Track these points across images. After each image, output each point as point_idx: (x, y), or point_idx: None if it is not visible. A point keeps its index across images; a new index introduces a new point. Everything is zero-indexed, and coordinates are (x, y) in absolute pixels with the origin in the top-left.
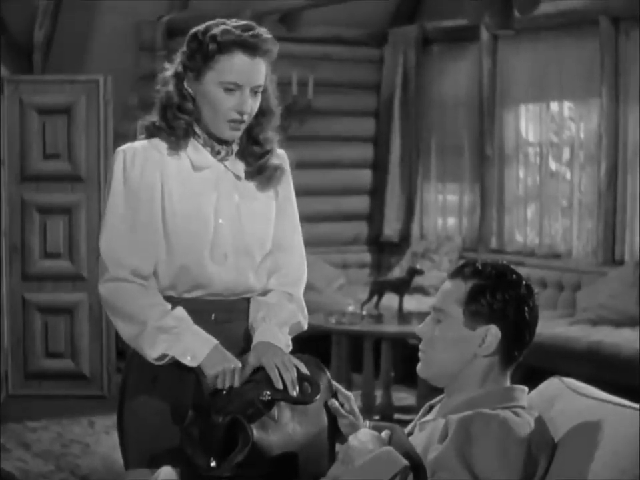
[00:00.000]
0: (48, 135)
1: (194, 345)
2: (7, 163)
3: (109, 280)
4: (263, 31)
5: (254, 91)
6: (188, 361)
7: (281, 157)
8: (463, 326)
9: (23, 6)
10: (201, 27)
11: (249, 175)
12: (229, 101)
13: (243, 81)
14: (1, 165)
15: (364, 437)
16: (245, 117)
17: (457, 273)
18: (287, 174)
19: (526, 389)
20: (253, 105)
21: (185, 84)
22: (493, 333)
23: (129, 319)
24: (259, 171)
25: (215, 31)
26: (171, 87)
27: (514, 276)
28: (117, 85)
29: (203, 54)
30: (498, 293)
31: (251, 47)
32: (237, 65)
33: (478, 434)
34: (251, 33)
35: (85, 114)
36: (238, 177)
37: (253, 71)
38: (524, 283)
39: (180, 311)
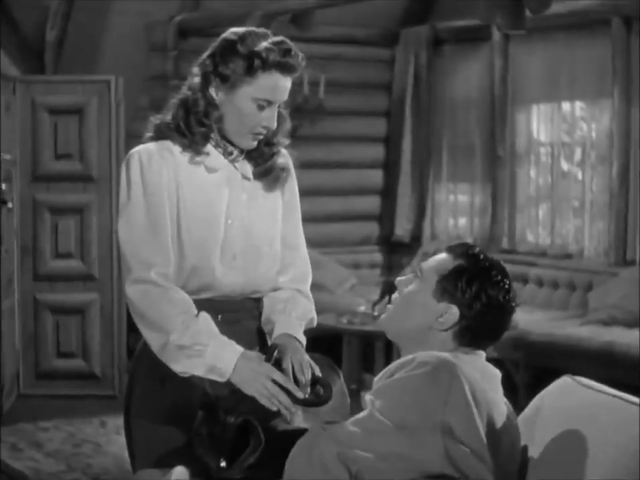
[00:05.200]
0: (59, 135)
1: (217, 362)
2: (19, 163)
3: (135, 282)
4: (298, 52)
5: (278, 105)
6: (214, 378)
7: (285, 156)
8: (431, 295)
9: (34, 6)
10: (235, 37)
11: (257, 176)
12: (258, 116)
13: (277, 99)
14: (13, 165)
15: None
16: (266, 131)
17: (452, 249)
18: (292, 173)
19: (480, 352)
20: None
21: (212, 90)
22: (452, 312)
23: (154, 327)
24: (267, 172)
25: (259, 47)
26: (197, 93)
27: (500, 279)
28: (128, 86)
29: (245, 68)
30: (475, 283)
31: (289, 68)
32: (274, 83)
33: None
34: (291, 55)
35: (96, 114)
36: (246, 178)
37: (285, 89)
38: (507, 290)
39: (203, 320)
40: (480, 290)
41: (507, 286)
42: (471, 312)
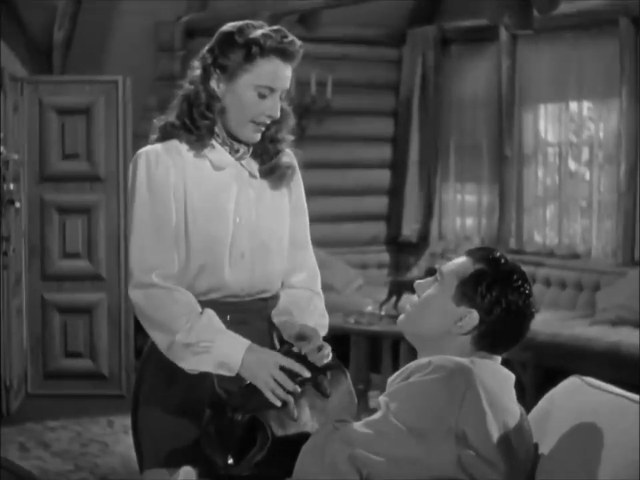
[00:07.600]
0: (67, 135)
1: (225, 357)
2: (27, 163)
3: (136, 286)
4: (295, 39)
5: (280, 95)
6: (223, 373)
7: (290, 155)
8: (450, 299)
9: (42, 7)
10: (233, 28)
11: (263, 174)
12: (261, 105)
13: (277, 86)
14: (21, 165)
15: None
16: (269, 120)
17: (472, 252)
18: (298, 172)
19: (497, 357)
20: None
21: (212, 83)
22: (472, 317)
23: (160, 328)
24: (272, 169)
25: (256, 34)
26: (198, 86)
27: (521, 284)
28: (135, 86)
29: (243, 56)
30: (495, 288)
31: (288, 54)
32: (274, 70)
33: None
34: (288, 40)
35: (103, 114)
36: (253, 176)
37: (286, 76)
38: (527, 296)
39: (207, 316)
40: (500, 295)
41: (527, 291)
42: (490, 317)
